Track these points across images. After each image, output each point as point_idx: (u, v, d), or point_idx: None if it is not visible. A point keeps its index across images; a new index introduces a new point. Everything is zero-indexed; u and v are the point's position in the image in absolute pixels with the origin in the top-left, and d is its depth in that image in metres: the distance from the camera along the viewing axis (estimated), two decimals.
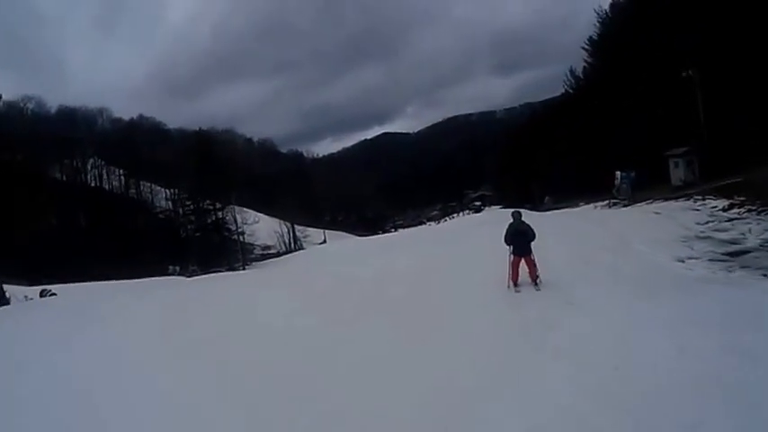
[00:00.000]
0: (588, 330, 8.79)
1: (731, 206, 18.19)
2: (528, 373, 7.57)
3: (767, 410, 5.81)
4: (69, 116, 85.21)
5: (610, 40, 44.77)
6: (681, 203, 20.26)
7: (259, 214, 77.96)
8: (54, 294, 28.00)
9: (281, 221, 75.41)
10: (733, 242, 14.50)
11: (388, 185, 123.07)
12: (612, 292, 10.73)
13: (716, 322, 8.37)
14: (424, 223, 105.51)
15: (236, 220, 64.71)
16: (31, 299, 26.88)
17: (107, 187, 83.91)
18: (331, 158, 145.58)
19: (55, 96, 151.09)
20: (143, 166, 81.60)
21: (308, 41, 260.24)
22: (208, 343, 10.60)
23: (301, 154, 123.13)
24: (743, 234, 15.02)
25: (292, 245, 72.50)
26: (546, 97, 78.35)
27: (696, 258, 13.17)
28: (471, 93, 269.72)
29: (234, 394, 8.05)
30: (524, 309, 10.61)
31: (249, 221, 68.36)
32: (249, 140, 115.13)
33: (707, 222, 16.93)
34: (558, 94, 65.34)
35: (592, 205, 32.88)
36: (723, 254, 13.39)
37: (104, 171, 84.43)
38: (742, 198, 18.42)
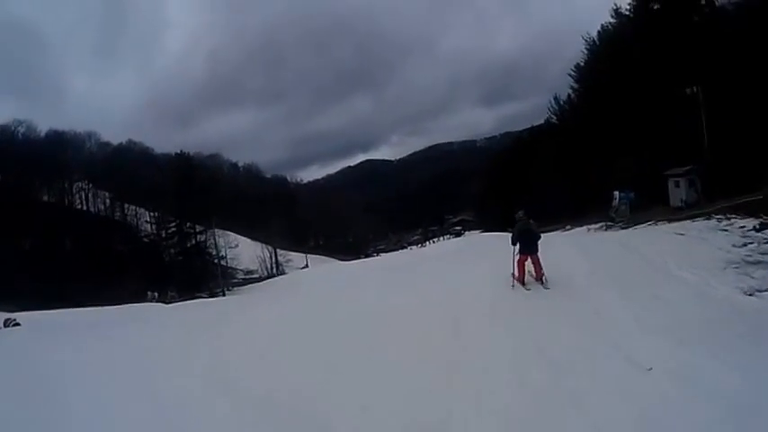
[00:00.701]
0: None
1: (763, 225, 15.16)
2: None
3: None
4: (58, 140, 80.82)
5: (601, 61, 42.17)
6: (700, 224, 17.06)
7: (242, 238, 74.51)
8: (18, 324, 24.28)
9: (264, 246, 71.72)
10: None
11: (369, 211, 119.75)
12: (683, 345, 7.39)
13: None
14: (406, 247, 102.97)
15: (216, 244, 60.98)
16: None
17: (93, 210, 79.98)
18: (315, 184, 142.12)
19: (48, 121, 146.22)
20: (129, 190, 77.75)
21: (298, 72, 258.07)
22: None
23: (285, 179, 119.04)
24: None
25: (274, 269, 68.81)
26: (525, 127, 75.86)
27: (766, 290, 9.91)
28: (455, 122, 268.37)
29: None
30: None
31: (231, 245, 64.99)
32: (235, 165, 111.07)
33: (745, 244, 13.72)
34: (537, 123, 64.52)
35: (584, 228, 29.78)
36: None
37: (90, 194, 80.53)
38: None
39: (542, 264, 12.23)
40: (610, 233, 23.60)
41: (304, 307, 16.20)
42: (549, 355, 7.91)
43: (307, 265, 67.24)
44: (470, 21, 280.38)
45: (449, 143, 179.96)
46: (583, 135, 41.93)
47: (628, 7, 40.38)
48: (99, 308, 35.28)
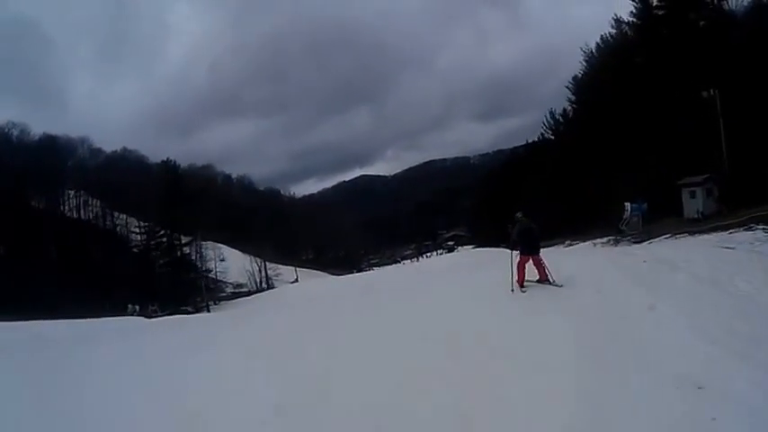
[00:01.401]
0: None
1: None
2: None
3: None
4: (51, 144, 77.50)
5: (602, 71, 39.16)
6: (743, 235, 13.95)
7: (233, 251, 71.22)
8: None
9: (252, 258, 68.15)
10: None
11: (363, 225, 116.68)
12: None
13: None
14: (399, 262, 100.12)
15: (202, 256, 57.47)
16: None
17: (84, 217, 76.38)
18: (310, 198, 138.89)
19: (44, 124, 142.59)
20: (120, 198, 74.29)
21: (296, 86, 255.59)
22: None
23: (278, 192, 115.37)
24: None
25: (264, 283, 65.24)
26: (518, 144, 72.90)
27: None
28: (450, 138, 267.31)
29: None
30: None
31: (219, 258, 61.71)
32: (228, 177, 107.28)
33: None
34: (532, 140, 61.04)
35: (589, 243, 26.46)
36: None
37: (80, 201, 76.95)
38: None
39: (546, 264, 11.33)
40: (625, 248, 20.20)
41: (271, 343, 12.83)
42: None
43: (296, 280, 63.50)
44: (468, 37, 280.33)
45: (443, 159, 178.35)
46: (580, 148, 38.91)
47: (630, 16, 37.55)
48: (71, 320, 32.52)
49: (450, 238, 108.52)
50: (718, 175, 23.29)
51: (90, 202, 77.63)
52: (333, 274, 69.36)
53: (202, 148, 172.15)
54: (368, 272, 78.55)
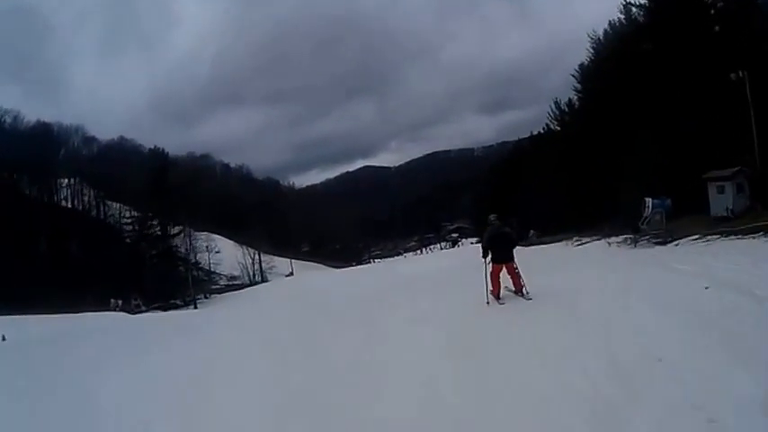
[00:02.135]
0: None
1: None
2: None
3: None
4: (44, 132, 75.27)
5: (610, 58, 36.02)
6: None
7: (228, 241, 68.67)
8: None
9: (246, 249, 65.51)
10: None
11: (365, 217, 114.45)
12: None
13: None
14: (401, 254, 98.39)
15: (193, 248, 55.00)
16: None
17: (78, 207, 74.24)
18: (313, 189, 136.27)
19: (41, 111, 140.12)
20: (115, 188, 71.96)
21: (301, 76, 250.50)
22: None
23: (277, 182, 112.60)
24: None
25: (257, 276, 62.70)
26: (523, 136, 69.48)
27: None
28: (453, 130, 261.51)
29: None
30: None
31: (215, 249, 59.33)
32: (226, 166, 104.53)
33: None
34: (536, 132, 57.80)
35: (602, 241, 23.62)
36: None
37: (74, 190, 74.65)
38: None
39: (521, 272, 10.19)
40: (648, 251, 17.35)
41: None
42: None
43: (291, 273, 60.82)
44: (473, 28, 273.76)
45: (446, 151, 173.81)
46: (587, 139, 35.99)
47: None
48: (43, 316, 30.59)
49: (455, 231, 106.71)
50: (749, 169, 20.31)
51: (83, 192, 75.41)
52: (333, 267, 67.15)
53: (205, 139, 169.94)
54: (369, 264, 76.40)
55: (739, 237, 15.02)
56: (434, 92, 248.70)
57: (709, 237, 16.18)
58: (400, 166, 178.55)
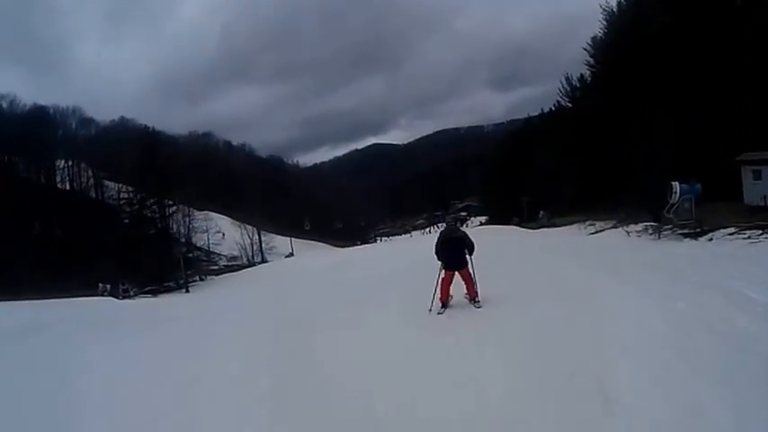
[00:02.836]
0: None
1: None
2: None
3: None
4: (41, 114, 73.79)
5: (625, 33, 32.91)
6: None
7: (228, 220, 66.92)
8: None
9: (244, 228, 63.59)
10: None
11: (373, 194, 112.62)
12: None
13: None
14: (409, 233, 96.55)
15: (190, 228, 53.09)
16: None
17: (77, 187, 73.13)
18: (320, 167, 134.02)
19: (43, 94, 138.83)
20: (113, 168, 70.34)
21: (308, 53, 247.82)
22: None
23: (281, 159, 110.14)
24: None
25: (257, 257, 60.83)
26: (533, 113, 66.23)
27: None
28: (463, 107, 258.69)
29: None
30: None
31: (216, 229, 57.59)
32: (228, 144, 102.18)
33: None
34: (546, 110, 55.83)
35: (619, 229, 20.83)
36: None
37: (72, 172, 73.65)
38: None
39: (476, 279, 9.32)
40: (677, 245, 14.57)
41: None
42: None
43: (292, 254, 58.69)
44: (485, 1, 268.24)
45: (456, 128, 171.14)
46: (601, 116, 33.21)
47: None
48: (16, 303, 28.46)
49: (464, 209, 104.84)
50: None
51: (81, 173, 74.89)
52: (337, 246, 65.04)
53: (210, 117, 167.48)
54: (376, 243, 74.47)
55: None
56: (445, 64, 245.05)
57: (748, 231, 13.47)
58: (409, 143, 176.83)
